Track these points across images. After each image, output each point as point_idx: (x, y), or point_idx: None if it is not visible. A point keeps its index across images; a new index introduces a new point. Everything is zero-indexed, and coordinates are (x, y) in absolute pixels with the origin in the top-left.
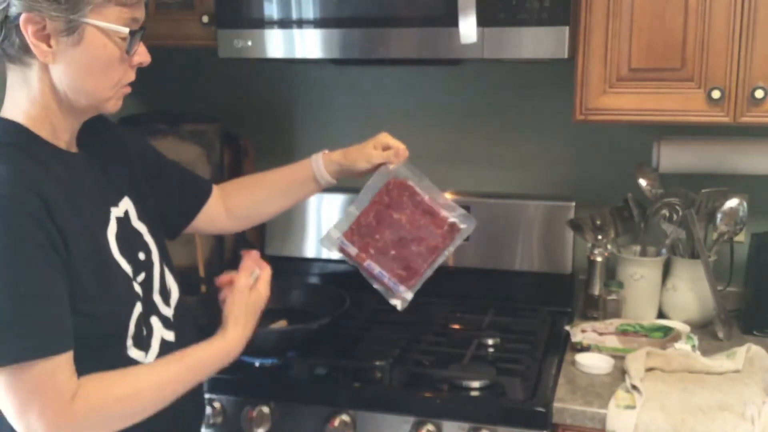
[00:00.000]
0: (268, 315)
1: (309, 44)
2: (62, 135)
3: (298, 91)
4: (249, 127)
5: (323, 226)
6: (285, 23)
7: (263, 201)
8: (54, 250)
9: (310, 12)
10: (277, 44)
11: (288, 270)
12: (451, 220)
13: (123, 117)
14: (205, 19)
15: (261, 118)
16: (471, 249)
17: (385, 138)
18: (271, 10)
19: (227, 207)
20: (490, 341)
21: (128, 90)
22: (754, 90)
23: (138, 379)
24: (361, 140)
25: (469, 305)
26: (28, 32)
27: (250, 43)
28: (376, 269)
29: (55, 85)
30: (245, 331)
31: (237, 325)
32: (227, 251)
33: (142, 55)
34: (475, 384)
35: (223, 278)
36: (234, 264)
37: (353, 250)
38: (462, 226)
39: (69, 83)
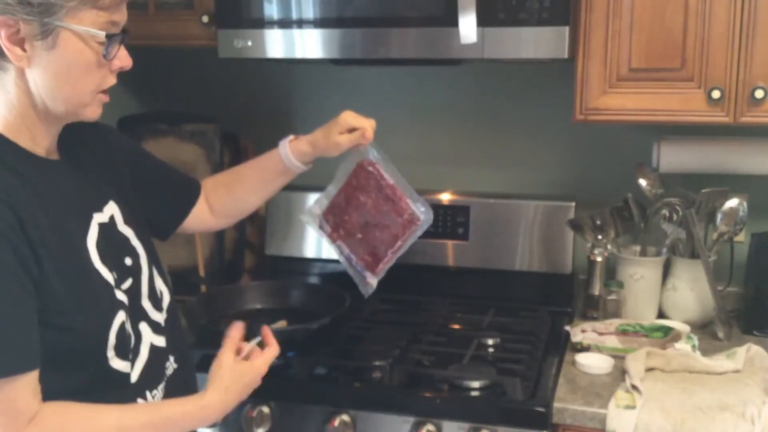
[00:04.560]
0: (268, 315)
1: (309, 44)
2: (41, 141)
3: (298, 91)
4: (249, 127)
5: None
6: (285, 23)
7: (242, 197)
8: (23, 270)
9: (310, 12)
10: (277, 44)
11: (288, 270)
12: (411, 209)
13: (123, 117)
14: (205, 19)
15: (261, 118)
16: (471, 249)
17: (348, 119)
18: (271, 10)
19: (210, 205)
20: (490, 341)
21: (106, 98)
22: (754, 90)
23: (99, 418)
24: None
25: (469, 305)
26: (2, 36)
27: (250, 43)
28: (346, 250)
29: (32, 90)
30: (226, 398)
31: (217, 391)
32: (227, 251)
33: (123, 60)
34: (475, 384)
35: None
36: (234, 265)
37: (327, 229)
38: (422, 217)
39: (45, 88)
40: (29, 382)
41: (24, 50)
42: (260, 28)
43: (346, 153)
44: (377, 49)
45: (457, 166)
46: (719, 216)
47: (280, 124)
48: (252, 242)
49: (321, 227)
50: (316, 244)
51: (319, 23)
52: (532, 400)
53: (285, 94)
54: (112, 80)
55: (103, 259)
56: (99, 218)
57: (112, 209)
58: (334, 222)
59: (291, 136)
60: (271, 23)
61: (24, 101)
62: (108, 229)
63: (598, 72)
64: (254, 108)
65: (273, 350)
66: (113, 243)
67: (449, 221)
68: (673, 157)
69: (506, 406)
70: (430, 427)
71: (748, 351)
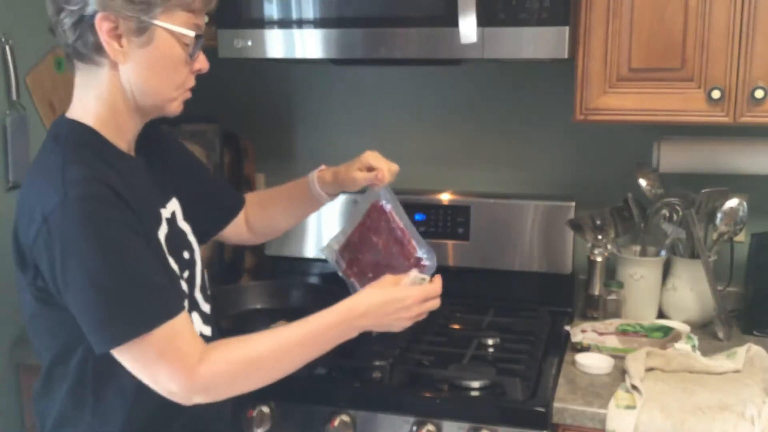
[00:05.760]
0: (268, 315)
1: (309, 44)
2: (126, 135)
3: (298, 91)
4: (249, 127)
5: (323, 227)
6: (285, 23)
7: (273, 217)
8: (135, 231)
9: (310, 12)
10: (277, 44)
11: (288, 270)
12: (418, 254)
13: None
14: (205, 19)
15: (261, 118)
16: (471, 249)
17: (369, 158)
18: (271, 10)
19: (246, 220)
20: (490, 341)
21: (189, 95)
22: (754, 90)
23: (261, 343)
24: (361, 140)
25: (469, 305)
26: (103, 30)
27: (250, 43)
28: (358, 288)
29: (123, 84)
30: (371, 302)
31: (366, 295)
32: (227, 251)
33: (201, 62)
34: (475, 384)
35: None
36: (234, 265)
37: (343, 265)
38: (426, 263)
39: (136, 82)
40: (184, 323)
41: (121, 46)
42: (260, 28)
43: (364, 192)
44: (377, 49)
45: (457, 166)
46: (719, 216)
47: (280, 124)
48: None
49: (337, 262)
50: (316, 244)
51: (319, 23)
52: (532, 400)
53: (285, 94)
54: (191, 81)
55: (170, 251)
56: (164, 213)
57: (174, 206)
58: (349, 259)
59: (322, 166)
60: (271, 23)
61: (116, 95)
62: (171, 223)
63: (598, 72)
64: (254, 108)
65: (434, 286)
66: (175, 237)
67: (449, 221)
68: (673, 157)
69: (506, 406)
70: (430, 427)
71: (748, 351)
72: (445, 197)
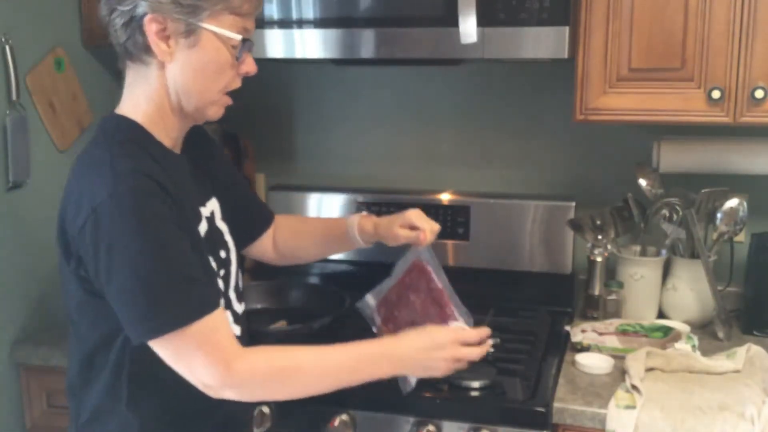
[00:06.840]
0: (268, 315)
1: (309, 44)
2: (171, 133)
3: (298, 91)
4: (249, 127)
5: None
6: (285, 23)
7: (303, 244)
8: (179, 226)
9: (310, 12)
10: (277, 44)
11: (288, 270)
12: (455, 317)
13: None
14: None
15: (261, 118)
16: (471, 249)
17: (412, 217)
18: (271, 10)
19: (274, 240)
20: (490, 341)
21: (229, 100)
22: (754, 90)
23: (303, 356)
24: (361, 140)
25: (469, 305)
26: (151, 31)
27: None
28: None
29: (169, 85)
30: (413, 356)
31: (411, 345)
32: None
33: (249, 65)
34: (475, 384)
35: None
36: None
37: (378, 321)
38: (463, 326)
39: (182, 82)
40: (222, 320)
41: (168, 46)
42: (260, 28)
43: (407, 249)
44: (377, 49)
45: (457, 166)
46: (719, 216)
47: (280, 124)
48: None
49: (372, 317)
50: None
51: (319, 23)
52: (532, 400)
53: (285, 94)
54: (237, 83)
55: (208, 249)
56: (204, 212)
57: (213, 205)
58: (385, 315)
59: (364, 213)
60: (271, 23)
61: (162, 94)
62: (210, 222)
63: (598, 72)
64: (254, 108)
65: (471, 332)
66: (213, 235)
67: (449, 221)
68: (673, 157)
69: (506, 406)
70: (430, 427)
71: (748, 351)
72: (445, 197)
